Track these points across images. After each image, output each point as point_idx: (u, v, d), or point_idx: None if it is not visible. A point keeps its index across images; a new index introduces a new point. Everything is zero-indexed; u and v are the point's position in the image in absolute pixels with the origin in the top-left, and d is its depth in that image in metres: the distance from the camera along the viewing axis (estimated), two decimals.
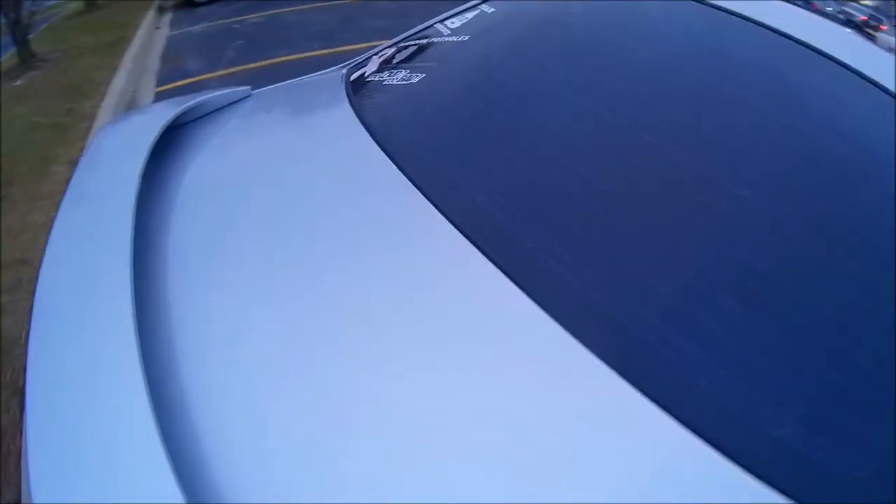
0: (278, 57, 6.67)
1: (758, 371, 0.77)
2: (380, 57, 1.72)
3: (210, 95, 1.55)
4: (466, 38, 1.58)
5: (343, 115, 1.41)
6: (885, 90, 1.06)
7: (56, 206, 1.09)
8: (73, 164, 3.84)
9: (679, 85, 1.21)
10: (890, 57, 1.16)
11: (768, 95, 1.14)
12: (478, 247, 0.94)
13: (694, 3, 1.40)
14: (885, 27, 2.29)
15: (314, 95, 1.73)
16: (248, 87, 1.67)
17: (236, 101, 1.62)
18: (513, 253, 0.94)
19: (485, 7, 1.74)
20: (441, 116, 1.34)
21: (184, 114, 1.43)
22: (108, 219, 1.02)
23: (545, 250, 0.94)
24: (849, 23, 1.60)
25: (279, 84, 1.80)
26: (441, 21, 1.80)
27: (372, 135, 1.27)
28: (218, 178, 1.27)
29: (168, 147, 1.33)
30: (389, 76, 1.54)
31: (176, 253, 1.03)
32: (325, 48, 6.96)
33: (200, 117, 1.51)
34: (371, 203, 1.11)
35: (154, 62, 7.07)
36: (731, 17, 1.32)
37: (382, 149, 1.22)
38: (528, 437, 0.71)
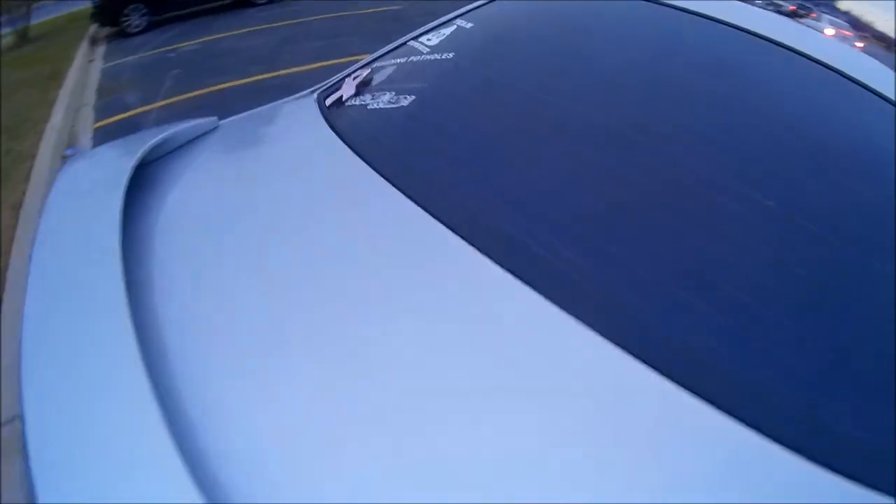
0: (218, 84, 6.66)
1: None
2: (354, 79, 1.67)
3: (176, 129, 1.48)
4: (450, 55, 1.57)
5: (328, 143, 1.38)
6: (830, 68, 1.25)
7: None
8: (17, 208, 3.78)
9: (643, 86, 1.32)
10: (833, 42, 1.38)
11: (723, 83, 1.29)
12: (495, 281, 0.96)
13: (643, 2, 1.56)
14: (814, 14, 2.47)
15: (289, 123, 1.67)
16: (214, 118, 1.61)
17: (205, 133, 1.56)
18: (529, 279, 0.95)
19: (461, 22, 1.73)
20: (448, 138, 1.34)
21: (152, 149, 1.38)
22: (95, 263, 1.00)
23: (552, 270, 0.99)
24: (779, 13, 1.77)
25: (247, 113, 1.74)
26: (415, 38, 1.78)
27: (370, 163, 1.26)
28: (204, 218, 1.22)
29: (141, 185, 1.28)
30: (373, 99, 1.51)
31: (175, 297, 1.01)
32: (265, 72, 6.97)
33: (169, 152, 1.45)
34: (380, 233, 1.11)
35: (91, 96, 6.97)
36: (679, 13, 1.48)
37: (385, 177, 1.20)
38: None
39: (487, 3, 1.84)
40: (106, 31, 10.87)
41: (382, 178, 1.20)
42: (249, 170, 1.39)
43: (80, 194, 1.29)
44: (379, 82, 1.61)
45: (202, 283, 1.03)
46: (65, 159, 4.87)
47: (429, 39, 1.71)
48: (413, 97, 1.45)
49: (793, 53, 1.30)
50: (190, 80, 6.94)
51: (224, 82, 6.73)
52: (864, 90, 1.20)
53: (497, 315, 0.92)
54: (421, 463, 0.73)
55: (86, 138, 5.45)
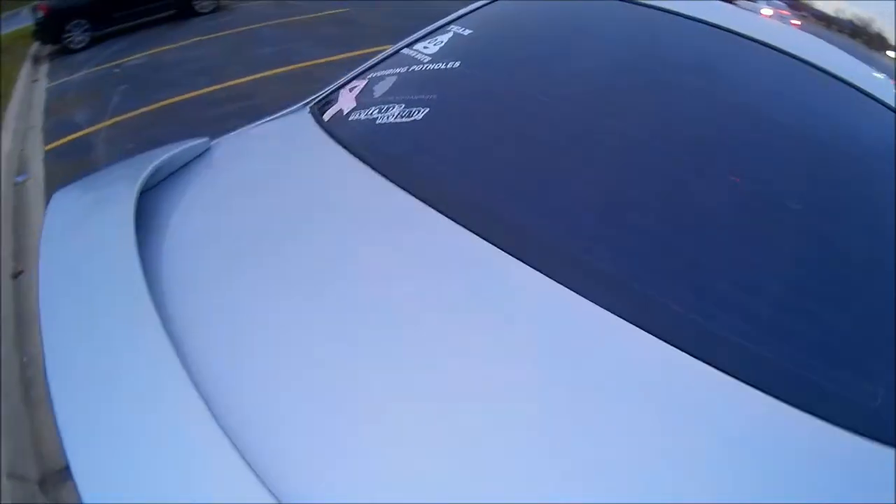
0: (167, 98, 6.62)
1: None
2: (352, 91, 1.62)
3: (167, 154, 1.39)
4: (455, 64, 1.54)
5: (338, 160, 1.35)
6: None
7: None
8: None
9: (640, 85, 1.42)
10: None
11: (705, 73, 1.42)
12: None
13: (627, 3, 1.66)
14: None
15: (287, 141, 1.58)
16: (206, 139, 1.52)
17: (199, 155, 1.49)
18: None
19: (457, 29, 1.70)
20: (476, 151, 1.33)
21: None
22: (121, 302, 0.98)
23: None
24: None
25: (237, 132, 1.65)
26: (409, 46, 1.74)
27: (397, 181, 1.23)
28: (222, 246, 1.17)
29: (140, 215, 1.20)
30: (381, 113, 1.46)
31: (217, 329, 0.98)
32: (215, 84, 6.94)
33: (163, 179, 1.38)
34: (416, 254, 1.10)
35: (37, 117, 6.87)
36: (662, 14, 1.59)
37: (415, 194, 1.18)
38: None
39: (482, 6, 1.82)
40: (49, 48, 10.67)
41: (412, 196, 1.18)
42: (257, 192, 1.34)
43: (80, 229, 1.24)
44: (382, 94, 1.56)
45: (237, 315, 1.00)
46: (16, 186, 4.82)
47: (426, 47, 1.67)
48: (426, 110, 1.42)
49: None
50: (138, 96, 6.88)
51: (174, 96, 6.68)
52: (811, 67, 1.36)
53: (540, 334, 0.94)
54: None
55: (36, 162, 5.39)
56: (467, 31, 1.67)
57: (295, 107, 1.72)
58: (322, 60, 7.21)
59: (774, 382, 0.85)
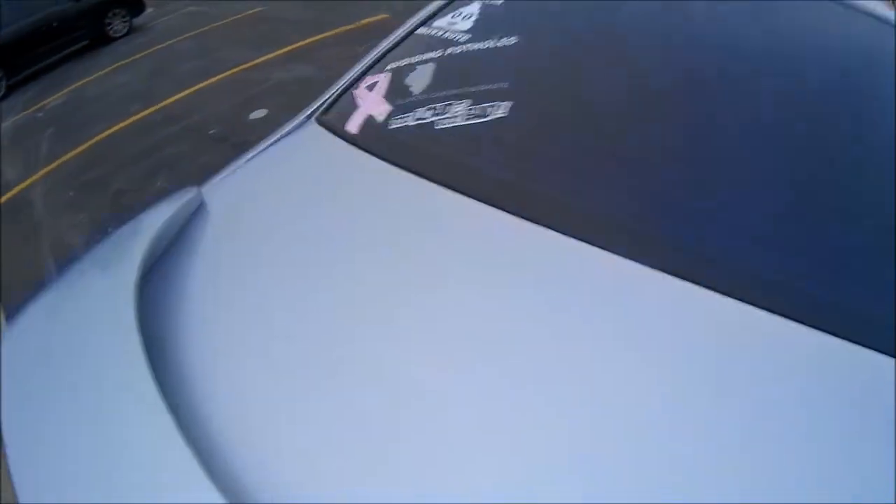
0: (100, 133, 6.26)
1: None
2: (371, 89, 1.33)
3: (160, 224, 1.10)
4: (511, 40, 1.25)
5: (399, 188, 1.07)
6: None
7: None
8: None
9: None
10: None
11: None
12: None
13: None
14: None
15: (307, 171, 1.27)
16: (194, 189, 1.23)
17: (194, 213, 1.19)
18: None
19: None
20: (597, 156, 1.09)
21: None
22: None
23: None
24: None
25: (231, 171, 1.32)
26: (426, 25, 1.44)
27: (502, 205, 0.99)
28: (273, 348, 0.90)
29: (146, 325, 0.93)
30: (437, 114, 1.16)
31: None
32: (146, 108, 6.57)
33: (158, 259, 1.10)
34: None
35: None
36: None
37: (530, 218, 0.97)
38: None
39: None
40: None
41: (541, 227, 0.96)
42: (286, 250, 1.06)
43: (82, 323, 0.99)
44: (424, 89, 1.26)
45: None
46: None
47: (453, 24, 1.37)
48: (508, 104, 1.13)
49: None
50: (68, 138, 6.49)
51: (105, 130, 6.32)
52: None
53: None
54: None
55: None
56: (500, 1, 1.39)
57: (294, 123, 1.41)
58: (250, 64, 6.92)
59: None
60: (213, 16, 10.24)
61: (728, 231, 0.95)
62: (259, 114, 5.35)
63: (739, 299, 0.83)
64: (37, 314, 1.08)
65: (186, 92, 6.67)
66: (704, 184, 1.02)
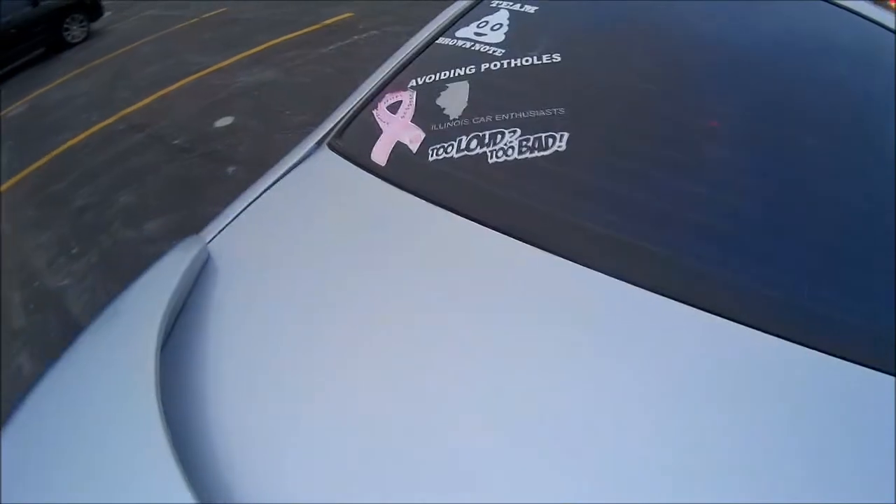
0: (61, 144, 6.10)
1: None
2: (396, 111, 1.16)
3: (168, 297, 0.95)
4: (556, 57, 1.11)
5: (452, 229, 0.94)
6: None
7: None
8: None
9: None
10: None
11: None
12: None
13: None
14: None
15: (333, 210, 1.09)
16: (198, 240, 1.09)
17: (202, 270, 1.04)
18: None
19: (509, 5, 1.28)
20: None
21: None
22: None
23: None
24: None
25: (234, 218, 1.14)
26: (448, 34, 1.29)
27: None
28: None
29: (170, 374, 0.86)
30: (484, 145, 1.01)
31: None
32: (108, 117, 6.42)
33: (170, 331, 0.96)
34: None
35: None
36: None
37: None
38: None
39: None
40: None
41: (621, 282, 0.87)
42: (319, 313, 0.93)
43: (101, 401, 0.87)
44: (462, 114, 1.10)
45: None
46: None
47: (479, 35, 1.23)
48: (564, 136, 0.99)
49: None
50: (28, 150, 6.32)
51: (67, 140, 6.16)
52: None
53: None
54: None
55: None
56: (531, 8, 1.25)
57: (302, 149, 1.21)
58: (213, 68, 6.78)
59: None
60: (172, 18, 10.05)
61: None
62: (225, 121, 5.24)
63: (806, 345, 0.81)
64: (45, 397, 0.94)
65: (149, 99, 6.53)
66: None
